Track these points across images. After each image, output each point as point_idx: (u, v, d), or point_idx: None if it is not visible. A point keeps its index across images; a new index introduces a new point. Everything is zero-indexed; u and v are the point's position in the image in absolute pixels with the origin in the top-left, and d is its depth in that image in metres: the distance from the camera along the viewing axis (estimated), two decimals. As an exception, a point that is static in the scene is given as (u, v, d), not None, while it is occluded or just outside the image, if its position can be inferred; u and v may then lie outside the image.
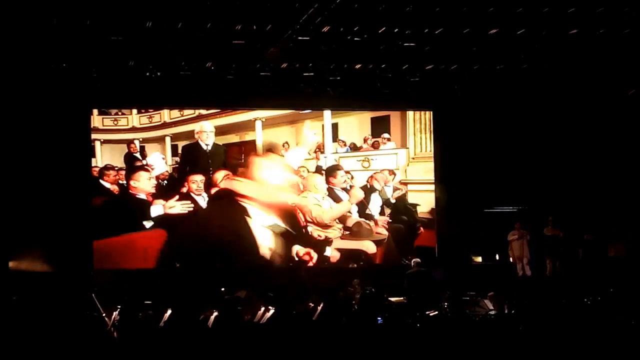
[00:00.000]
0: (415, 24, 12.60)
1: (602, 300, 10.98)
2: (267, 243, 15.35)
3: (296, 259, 15.38)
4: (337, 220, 15.92)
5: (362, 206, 16.20)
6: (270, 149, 16.15)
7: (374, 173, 16.56)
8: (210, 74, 14.71)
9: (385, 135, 16.87)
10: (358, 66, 14.83)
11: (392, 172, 16.64)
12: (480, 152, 16.23)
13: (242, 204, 15.24)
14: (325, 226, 15.81)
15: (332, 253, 15.75)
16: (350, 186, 16.20)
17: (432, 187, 16.59)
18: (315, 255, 15.50)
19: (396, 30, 12.85)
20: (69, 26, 12.17)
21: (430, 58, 14.47)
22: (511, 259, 16.02)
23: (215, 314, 8.95)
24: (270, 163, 15.82)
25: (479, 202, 16.22)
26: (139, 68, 14.35)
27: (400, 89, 15.78)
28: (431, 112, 16.72)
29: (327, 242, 15.73)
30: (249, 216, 15.18)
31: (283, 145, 16.67)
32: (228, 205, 15.28)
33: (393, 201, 16.51)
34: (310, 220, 15.71)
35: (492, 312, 11.46)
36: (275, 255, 15.39)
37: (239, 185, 15.37)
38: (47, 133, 14.40)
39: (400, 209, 16.52)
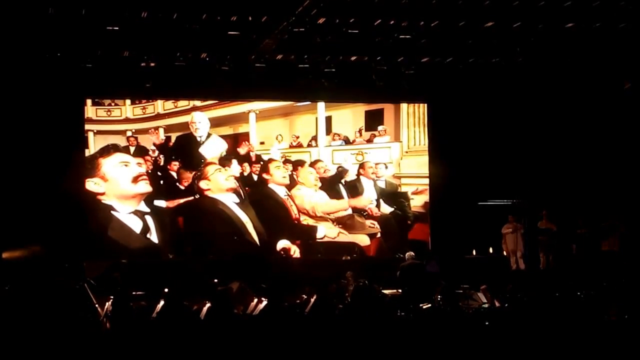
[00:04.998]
0: (411, 17, 12.58)
1: (596, 294, 10.98)
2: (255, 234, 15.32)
3: (282, 254, 15.34)
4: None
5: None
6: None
7: (364, 163, 16.58)
8: (205, 65, 14.65)
9: (381, 127, 16.86)
10: (353, 58, 14.79)
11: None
12: (474, 145, 16.21)
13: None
14: (317, 218, 15.83)
15: (326, 232, 15.76)
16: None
17: (426, 180, 16.59)
18: (297, 250, 15.52)
19: (392, 22, 12.84)
20: (64, 16, 12.13)
21: (426, 51, 14.45)
22: (505, 253, 16.02)
23: (208, 305, 8.93)
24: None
25: (472, 195, 16.20)
26: (133, 58, 14.30)
27: (395, 82, 15.74)
28: (426, 105, 16.70)
29: (314, 228, 15.76)
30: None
31: (276, 138, 16.65)
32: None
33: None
34: (305, 212, 15.70)
35: (485, 305, 11.45)
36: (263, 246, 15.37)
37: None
38: (40, 123, 14.33)
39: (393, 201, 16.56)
